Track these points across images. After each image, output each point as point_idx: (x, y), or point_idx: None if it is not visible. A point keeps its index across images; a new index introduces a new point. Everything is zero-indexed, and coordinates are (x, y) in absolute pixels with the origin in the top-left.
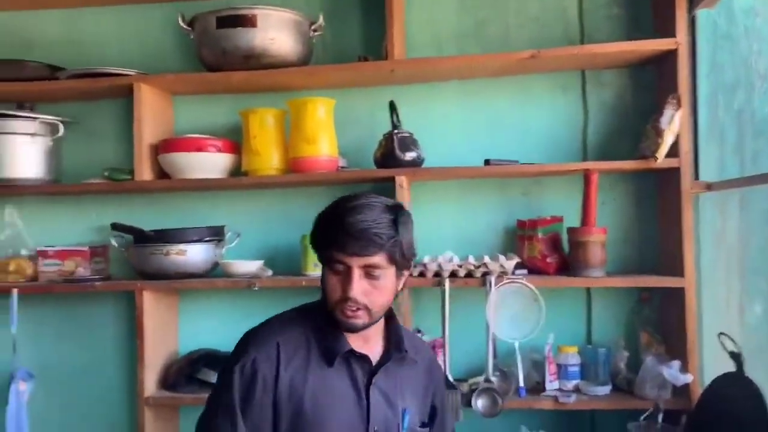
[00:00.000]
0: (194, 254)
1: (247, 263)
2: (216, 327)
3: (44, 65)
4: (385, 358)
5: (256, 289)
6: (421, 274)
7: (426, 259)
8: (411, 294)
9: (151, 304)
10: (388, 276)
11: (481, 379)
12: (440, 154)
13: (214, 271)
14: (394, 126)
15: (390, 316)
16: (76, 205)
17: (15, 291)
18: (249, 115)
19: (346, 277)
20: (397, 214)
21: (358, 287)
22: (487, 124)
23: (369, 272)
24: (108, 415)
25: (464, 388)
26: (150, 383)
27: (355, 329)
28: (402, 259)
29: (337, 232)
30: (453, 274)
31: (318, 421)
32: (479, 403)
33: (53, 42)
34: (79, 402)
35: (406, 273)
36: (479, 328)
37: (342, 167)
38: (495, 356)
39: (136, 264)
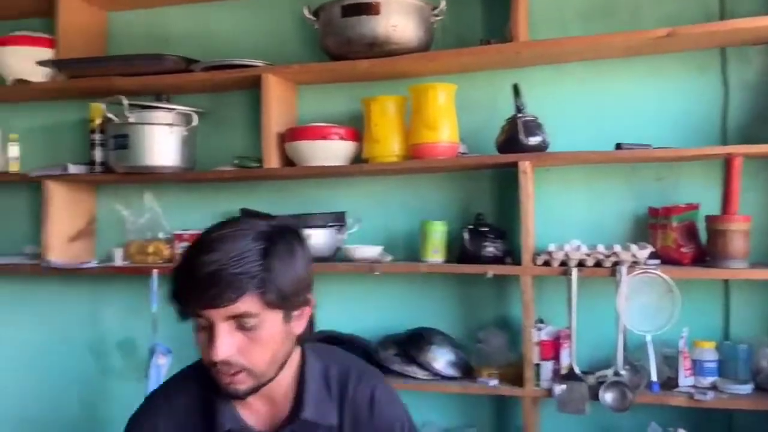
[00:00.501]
0: (318, 239)
1: (368, 248)
2: (336, 310)
3: (182, 58)
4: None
5: (377, 274)
6: (546, 263)
7: (551, 248)
8: (534, 283)
9: None
10: (267, 324)
11: (609, 372)
12: (566, 139)
13: (336, 256)
14: (518, 110)
15: (304, 363)
16: (208, 192)
17: (155, 271)
18: (371, 103)
19: (211, 334)
20: (273, 241)
21: (227, 346)
22: (616, 107)
23: (240, 324)
24: None
25: (591, 380)
26: None
27: (238, 396)
28: (284, 300)
29: (184, 280)
30: (580, 264)
31: None
32: (608, 396)
33: (186, 36)
34: None
35: (298, 313)
36: (605, 320)
37: (462, 153)
38: (625, 349)
39: None
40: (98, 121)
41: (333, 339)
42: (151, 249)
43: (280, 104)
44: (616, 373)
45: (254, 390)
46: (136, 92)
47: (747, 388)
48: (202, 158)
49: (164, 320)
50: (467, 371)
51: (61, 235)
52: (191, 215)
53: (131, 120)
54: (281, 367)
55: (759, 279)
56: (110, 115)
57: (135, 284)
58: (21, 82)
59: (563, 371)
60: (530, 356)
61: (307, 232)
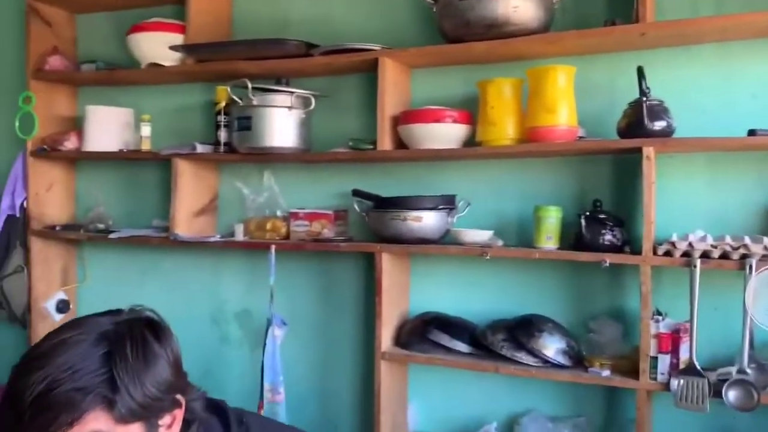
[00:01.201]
0: (429, 221)
1: (478, 232)
2: (444, 292)
3: (303, 43)
4: None
5: (488, 258)
6: (667, 253)
7: (674, 237)
8: (653, 273)
9: (388, 266)
10: None
11: (732, 369)
12: (692, 124)
13: (445, 239)
14: (643, 93)
15: None
16: (323, 172)
17: (273, 247)
18: (487, 86)
19: None
20: (119, 343)
21: None
22: (748, 91)
23: None
24: (346, 364)
25: (712, 377)
26: (386, 339)
27: None
28: (143, 410)
29: (9, 412)
30: (705, 255)
31: None
32: (731, 394)
33: (305, 20)
34: (322, 349)
35: (167, 421)
36: (728, 315)
37: (580, 137)
38: (752, 347)
39: (375, 228)
40: (223, 103)
41: (441, 320)
42: (269, 226)
43: (394, 87)
44: (741, 371)
45: None
46: (258, 76)
47: None
48: (318, 140)
49: (281, 293)
50: (578, 360)
51: (186, 210)
52: (307, 194)
53: (254, 102)
54: None
55: None
56: (235, 98)
57: (253, 259)
58: (154, 66)
59: (682, 365)
60: (647, 348)
61: (417, 213)
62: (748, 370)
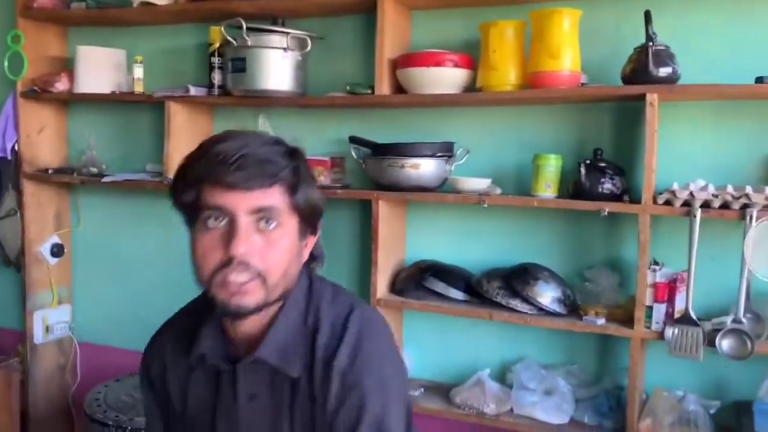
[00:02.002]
0: (427, 168)
1: (476, 180)
2: (440, 240)
3: None
4: (251, 364)
5: (486, 206)
6: (667, 203)
7: (675, 186)
8: (651, 223)
9: (384, 214)
10: (287, 230)
11: (727, 319)
12: (698, 71)
13: (442, 187)
14: (649, 38)
15: (285, 305)
16: (319, 117)
17: None
18: (489, 29)
19: (229, 229)
20: (295, 152)
21: (247, 241)
22: (758, 37)
23: (262, 222)
24: None
25: (707, 326)
26: (381, 286)
27: (244, 311)
28: (306, 210)
29: (208, 165)
30: (705, 204)
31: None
32: (725, 344)
33: None
34: None
35: (309, 238)
36: (726, 266)
37: (583, 84)
38: (748, 297)
39: (372, 175)
40: (217, 44)
41: (437, 268)
42: None
43: (393, 30)
44: (736, 321)
45: (261, 308)
46: (253, 16)
47: None
48: (315, 84)
49: None
50: (573, 309)
51: (180, 154)
52: (302, 140)
53: (249, 43)
54: (285, 292)
55: None
56: (229, 38)
57: None
58: (145, 5)
59: (677, 315)
60: (643, 297)
61: (416, 161)
62: (744, 320)
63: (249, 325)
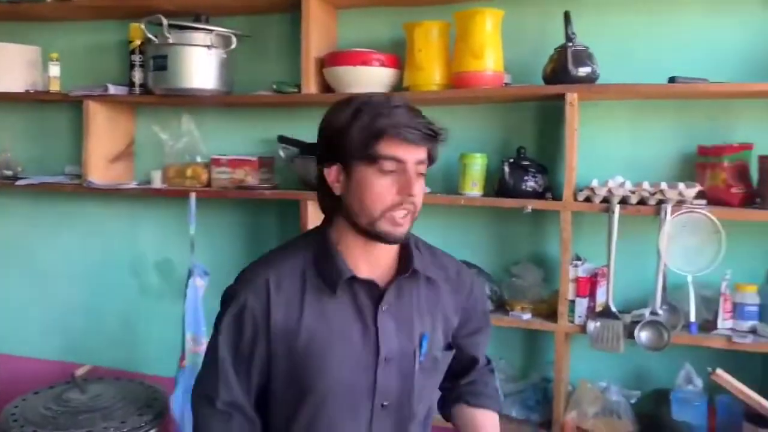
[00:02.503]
0: None
1: None
2: None
3: None
4: (392, 280)
5: None
6: (587, 199)
7: (594, 183)
8: (573, 220)
9: (314, 214)
10: (424, 177)
11: (645, 311)
12: (616, 72)
13: None
14: (569, 38)
15: None
16: (246, 117)
17: (193, 194)
18: (414, 28)
19: (402, 175)
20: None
21: (419, 184)
22: (671, 39)
23: (419, 170)
24: None
25: (626, 319)
26: None
27: (401, 239)
28: (430, 163)
29: (394, 120)
30: (623, 200)
31: (314, 358)
32: (643, 335)
33: None
34: None
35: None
36: (644, 259)
37: (507, 84)
38: (664, 289)
39: (301, 175)
40: (138, 41)
41: None
42: (189, 172)
43: (319, 28)
44: (654, 313)
45: (407, 237)
46: (174, 13)
47: None
48: (241, 83)
49: (203, 243)
50: (500, 305)
51: (101, 156)
52: (229, 140)
53: (170, 41)
54: None
55: None
56: (150, 36)
57: (173, 207)
58: (60, 0)
59: (598, 308)
60: (565, 292)
61: None
62: (660, 312)
63: (386, 251)
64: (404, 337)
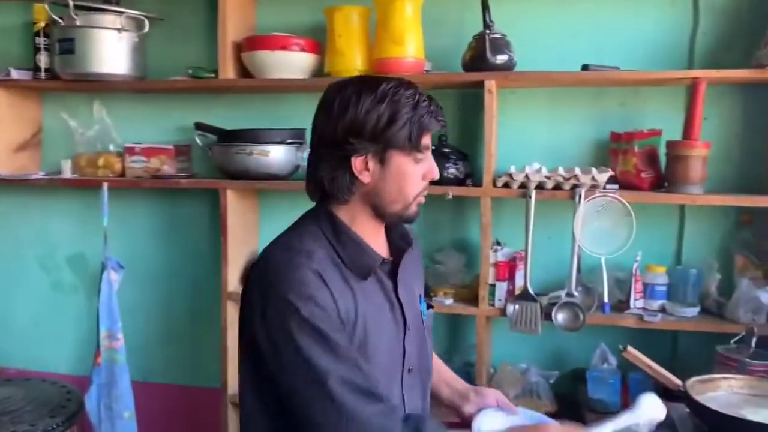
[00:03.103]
0: (277, 155)
1: None
2: None
3: None
4: (399, 254)
5: None
6: (506, 185)
7: (512, 170)
8: (494, 205)
9: (234, 204)
10: None
11: (562, 293)
12: (533, 60)
13: (295, 174)
14: (486, 26)
15: None
16: (161, 104)
17: (105, 184)
18: (334, 13)
19: (427, 161)
20: None
21: None
22: (585, 28)
23: None
24: (192, 307)
25: (544, 301)
26: (233, 279)
27: (415, 219)
28: None
29: (435, 113)
30: (540, 186)
31: (369, 343)
32: (560, 317)
33: None
34: (165, 293)
35: None
36: (561, 243)
37: (427, 71)
38: (579, 271)
39: (219, 163)
40: (43, 23)
41: None
42: (101, 162)
43: (237, 12)
44: (569, 294)
45: None
46: None
47: (693, 311)
48: (155, 68)
49: (117, 235)
50: (425, 292)
51: (5, 145)
52: (143, 128)
53: (78, 23)
54: None
55: (712, 205)
56: (55, 17)
57: (85, 198)
58: None
59: (517, 291)
60: (486, 276)
61: (264, 147)
62: (576, 293)
63: (380, 231)
64: (414, 304)
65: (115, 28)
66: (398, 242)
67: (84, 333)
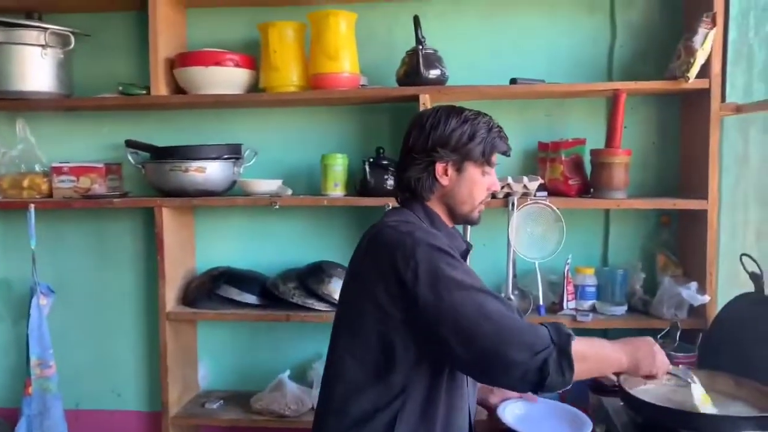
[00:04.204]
0: (213, 172)
1: (267, 182)
2: (233, 245)
3: None
4: (468, 245)
5: (277, 207)
6: None
7: None
8: None
9: (170, 221)
10: None
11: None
12: (464, 73)
13: (232, 190)
14: (419, 42)
15: None
16: (90, 122)
17: (32, 206)
18: (268, 28)
19: (492, 176)
20: None
21: None
22: (512, 43)
23: None
24: (129, 328)
25: None
26: (171, 299)
27: (479, 221)
28: None
29: (503, 138)
30: None
31: None
32: None
33: None
34: (99, 316)
35: None
36: (496, 250)
37: (362, 85)
38: (514, 276)
39: (154, 181)
40: None
41: (230, 275)
42: (26, 183)
43: (168, 27)
44: (506, 298)
45: None
46: (2, 9)
47: (621, 310)
48: (83, 85)
49: (46, 259)
50: None
51: None
52: (71, 147)
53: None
54: None
55: (636, 209)
56: None
57: (10, 221)
58: None
59: None
60: None
61: (201, 164)
62: (512, 297)
63: None
64: None
65: (38, 45)
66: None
67: (12, 362)
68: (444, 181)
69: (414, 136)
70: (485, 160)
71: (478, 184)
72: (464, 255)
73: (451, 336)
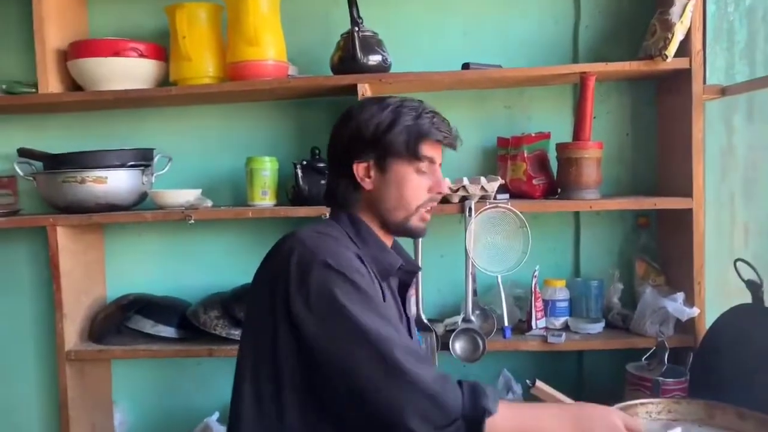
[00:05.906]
0: (116, 182)
1: (183, 192)
2: (148, 269)
3: None
4: (412, 265)
5: (192, 222)
6: None
7: None
8: None
9: (68, 243)
10: None
11: (458, 318)
12: (409, 60)
13: (143, 203)
14: (355, 22)
15: None
16: None
17: None
18: (176, 11)
19: (433, 175)
20: None
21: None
22: (463, 26)
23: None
24: (26, 371)
25: (440, 329)
26: (72, 334)
27: (424, 234)
28: None
29: (437, 125)
30: None
31: None
32: (457, 346)
33: None
34: None
35: None
36: (454, 263)
37: (291, 75)
38: (475, 293)
39: (46, 195)
40: None
41: (143, 303)
42: None
43: (60, 13)
44: (466, 320)
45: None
46: None
47: (598, 327)
48: None
49: None
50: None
51: None
52: None
53: None
54: None
55: (610, 210)
56: None
57: None
58: None
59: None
60: None
61: (99, 173)
62: (473, 318)
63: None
64: (413, 327)
65: None
66: (401, 253)
67: None
68: (366, 184)
69: (333, 134)
70: (412, 154)
71: (411, 184)
72: (409, 273)
73: (340, 386)
